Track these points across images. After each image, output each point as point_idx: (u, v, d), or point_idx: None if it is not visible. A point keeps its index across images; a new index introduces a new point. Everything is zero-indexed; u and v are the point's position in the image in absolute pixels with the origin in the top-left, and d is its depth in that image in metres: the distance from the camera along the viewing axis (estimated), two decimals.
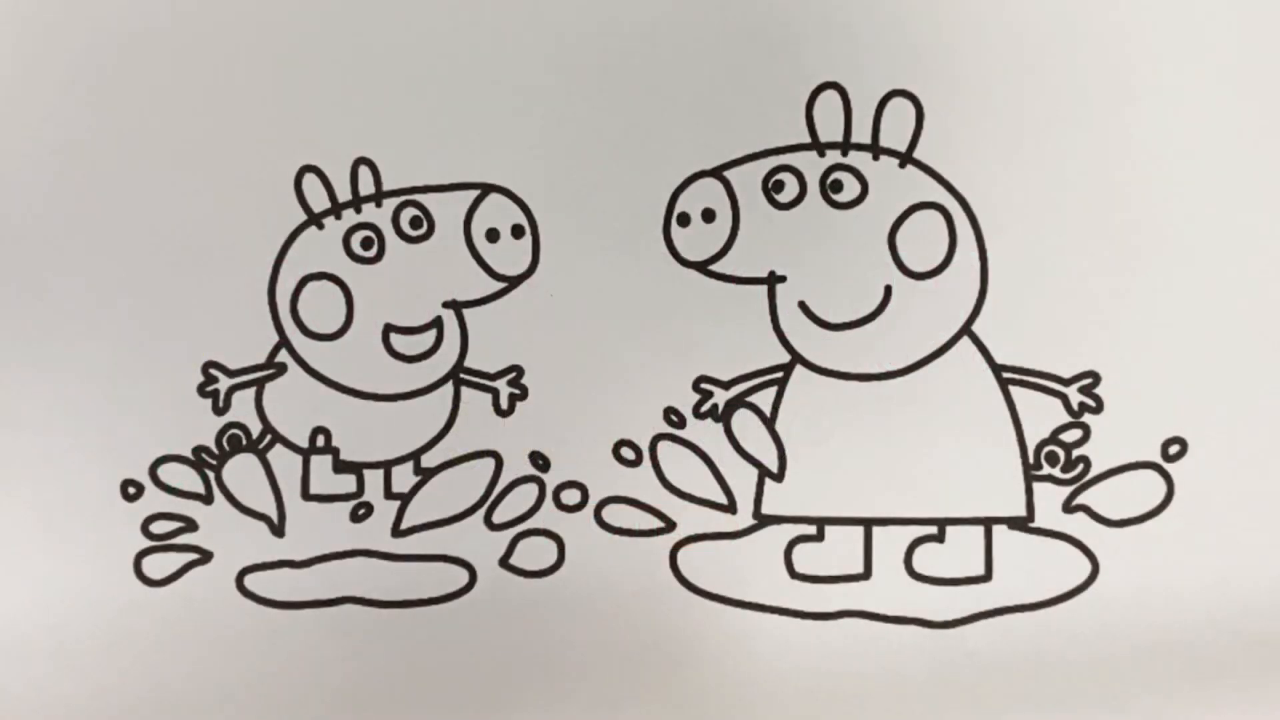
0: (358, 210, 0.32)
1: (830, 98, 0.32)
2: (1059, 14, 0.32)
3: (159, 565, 0.33)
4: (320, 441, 0.33)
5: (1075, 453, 0.33)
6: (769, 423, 0.33)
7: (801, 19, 0.32)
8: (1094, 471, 0.33)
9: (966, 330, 0.32)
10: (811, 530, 0.33)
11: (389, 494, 0.33)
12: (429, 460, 0.33)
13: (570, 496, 0.33)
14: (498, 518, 0.33)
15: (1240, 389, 0.32)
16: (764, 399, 0.33)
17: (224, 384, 0.33)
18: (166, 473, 0.33)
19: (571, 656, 0.33)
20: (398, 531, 0.33)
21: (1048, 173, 0.32)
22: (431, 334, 0.33)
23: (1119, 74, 0.32)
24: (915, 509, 0.33)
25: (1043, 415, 0.33)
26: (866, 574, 0.33)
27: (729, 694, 0.33)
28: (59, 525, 0.33)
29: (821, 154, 0.32)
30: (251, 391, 0.33)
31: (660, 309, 0.32)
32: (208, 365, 0.33)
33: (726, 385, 0.33)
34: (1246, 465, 0.32)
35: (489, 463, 0.33)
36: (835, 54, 0.32)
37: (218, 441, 0.33)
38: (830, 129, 0.32)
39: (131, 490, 0.33)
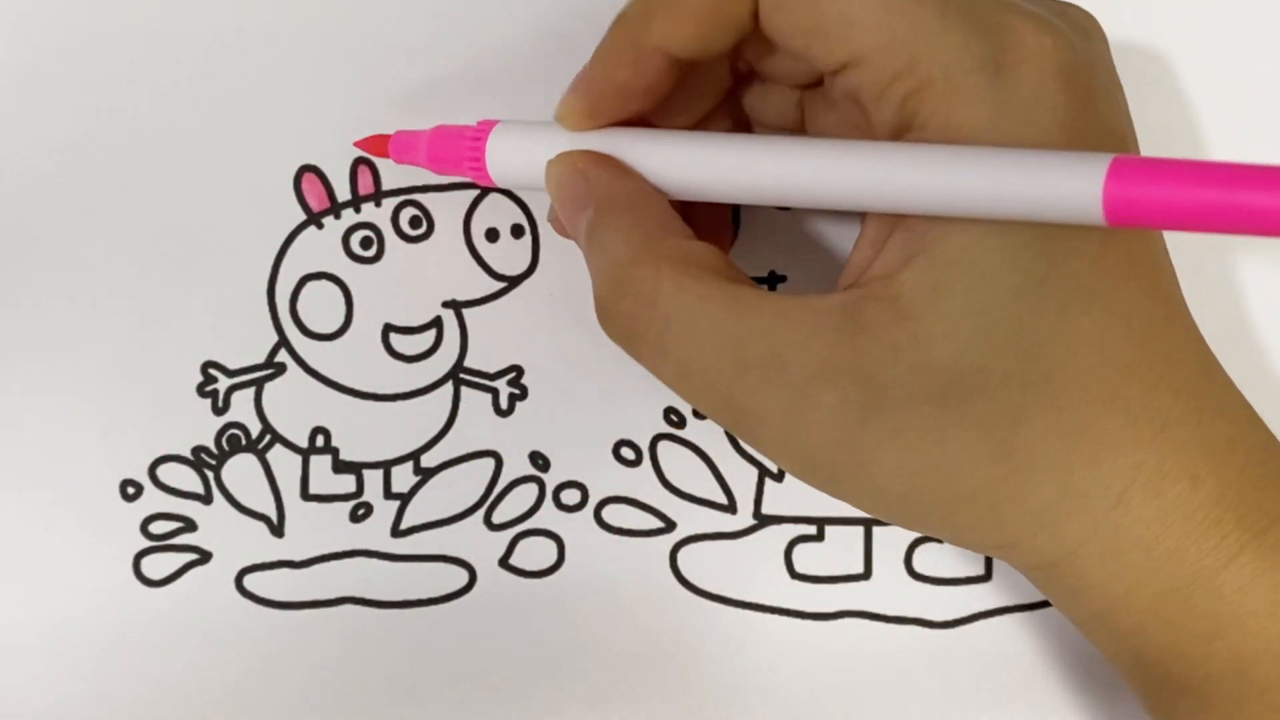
0: (357, 210, 0.32)
1: None
2: None
3: (158, 565, 0.33)
4: (320, 441, 0.33)
5: None
6: None
7: None
8: None
9: None
10: (811, 530, 0.33)
11: (388, 494, 0.33)
12: (429, 460, 0.33)
13: (570, 496, 0.33)
14: (497, 518, 0.33)
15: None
16: None
17: (223, 384, 0.33)
18: (166, 473, 0.33)
19: (571, 656, 0.33)
20: (397, 532, 0.33)
21: None
22: (431, 334, 0.33)
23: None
24: None
25: None
26: (866, 574, 0.33)
27: (729, 694, 0.33)
28: (58, 525, 0.33)
29: None
30: (251, 391, 0.33)
31: None
32: (207, 365, 0.33)
33: None
34: None
35: (489, 463, 0.33)
36: None
37: (217, 441, 0.33)
38: None
39: (131, 490, 0.33)
